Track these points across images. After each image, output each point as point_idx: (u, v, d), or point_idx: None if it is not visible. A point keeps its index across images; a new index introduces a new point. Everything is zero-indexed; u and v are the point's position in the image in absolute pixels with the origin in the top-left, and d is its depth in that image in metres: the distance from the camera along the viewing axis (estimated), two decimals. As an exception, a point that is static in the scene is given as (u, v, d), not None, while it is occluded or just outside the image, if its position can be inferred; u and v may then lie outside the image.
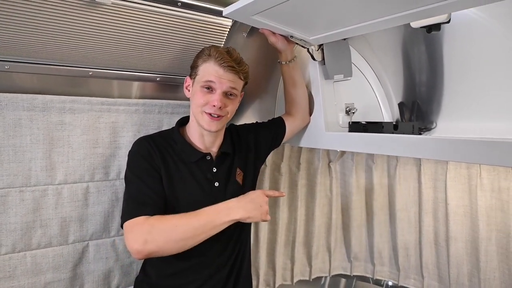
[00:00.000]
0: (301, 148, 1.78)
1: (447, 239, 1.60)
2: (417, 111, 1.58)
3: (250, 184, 1.34)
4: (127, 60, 1.27)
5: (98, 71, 1.25)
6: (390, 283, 1.80)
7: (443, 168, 1.58)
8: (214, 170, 1.23)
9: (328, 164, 1.82)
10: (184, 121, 1.30)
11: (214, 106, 1.14)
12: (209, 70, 1.15)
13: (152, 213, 1.05)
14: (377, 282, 1.83)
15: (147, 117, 1.38)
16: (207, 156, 1.23)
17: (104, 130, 1.31)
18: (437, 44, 1.50)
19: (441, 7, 0.97)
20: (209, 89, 1.16)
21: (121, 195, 1.36)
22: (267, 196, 1.16)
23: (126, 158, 1.32)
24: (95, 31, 1.12)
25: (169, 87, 1.43)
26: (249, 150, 1.35)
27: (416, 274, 1.76)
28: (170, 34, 1.23)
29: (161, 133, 1.28)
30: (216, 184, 1.22)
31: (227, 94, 1.17)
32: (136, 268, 1.43)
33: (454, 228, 1.57)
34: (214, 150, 1.27)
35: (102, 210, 1.34)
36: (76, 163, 1.27)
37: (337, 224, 1.87)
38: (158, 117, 1.41)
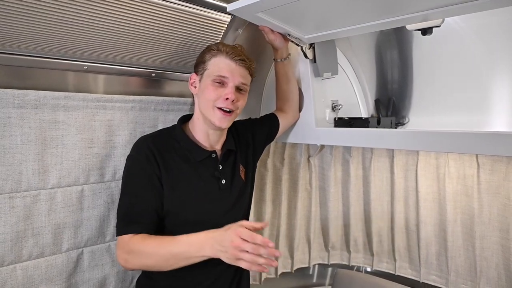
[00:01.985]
0: (285, 144, 1.83)
1: (418, 223, 1.76)
2: (392, 107, 1.72)
3: (250, 180, 1.36)
4: (123, 54, 1.21)
5: (93, 65, 1.18)
6: (368, 269, 1.93)
7: (414, 159, 1.74)
8: (220, 167, 1.23)
9: (308, 159, 1.89)
10: (185, 119, 1.27)
11: (227, 99, 1.13)
12: (220, 64, 1.14)
13: (139, 231, 1.07)
14: (357, 269, 1.95)
15: (142, 114, 1.32)
16: (213, 154, 1.22)
17: (100, 129, 1.23)
18: (408, 47, 1.65)
19: (430, 14, 1.08)
20: (220, 83, 1.14)
21: (116, 197, 1.29)
22: (243, 236, 0.91)
23: (122, 158, 1.27)
24: (92, 22, 1.05)
25: (164, 83, 1.39)
26: (248, 147, 1.37)
27: (388, 258, 1.90)
28: (169, 27, 1.21)
29: (162, 132, 1.24)
30: (223, 181, 1.22)
31: (238, 89, 1.17)
32: (132, 273, 1.36)
33: (424, 213, 1.73)
34: (218, 148, 1.26)
35: (97, 214, 1.25)
36: (70, 164, 1.17)
37: (316, 216, 1.96)
38: (154, 115, 1.35)
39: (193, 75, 1.21)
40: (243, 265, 0.90)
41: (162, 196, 1.12)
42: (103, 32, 1.10)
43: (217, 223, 1.21)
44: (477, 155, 1.53)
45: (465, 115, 1.55)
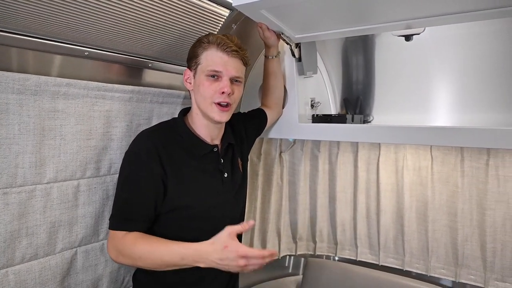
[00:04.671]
0: (262, 139, 1.88)
1: (378, 212, 1.94)
2: (359, 106, 1.88)
3: (246, 173, 1.39)
4: (124, 41, 1.16)
5: (94, 51, 1.10)
6: (337, 258, 2.07)
7: (376, 153, 1.92)
8: (222, 161, 1.24)
9: (280, 154, 1.97)
10: (185, 112, 1.25)
11: (223, 93, 1.12)
12: (213, 57, 1.12)
13: (133, 229, 1.06)
14: (327, 258, 2.08)
15: (139, 106, 1.27)
16: (215, 148, 1.22)
17: (98, 120, 1.15)
18: (371, 50, 1.82)
19: (412, 23, 1.24)
20: (214, 77, 1.13)
21: (111, 192, 1.23)
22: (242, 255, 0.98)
23: (118, 151, 1.22)
24: (96, 4, 1.00)
25: (158, 74, 1.34)
26: (242, 140, 1.39)
27: (350, 245, 2.05)
28: (171, 16, 1.19)
29: (162, 126, 1.21)
30: (226, 175, 1.24)
31: (232, 81, 1.16)
32: (124, 273, 1.30)
33: (383, 203, 1.92)
34: (218, 141, 1.26)
35: (93, 210, 1.17)
36: (68, 157, 1.09)
37: (286, 210, 2.04)
38: (150, 107, 1.30)
39: (187, 71, 1.18)
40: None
41: (161, 194, 1.10)
42: (108, 15, 1.04)
43: (221, 216, 1.22)
44: (431, 149, 1.76)
45: (418, 113, 1.78)
